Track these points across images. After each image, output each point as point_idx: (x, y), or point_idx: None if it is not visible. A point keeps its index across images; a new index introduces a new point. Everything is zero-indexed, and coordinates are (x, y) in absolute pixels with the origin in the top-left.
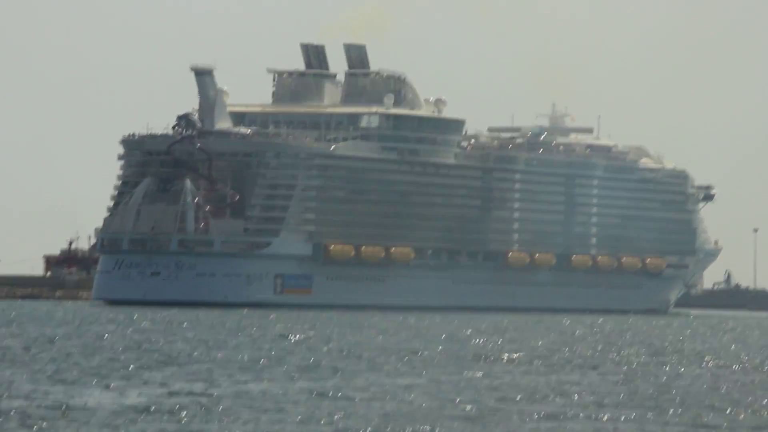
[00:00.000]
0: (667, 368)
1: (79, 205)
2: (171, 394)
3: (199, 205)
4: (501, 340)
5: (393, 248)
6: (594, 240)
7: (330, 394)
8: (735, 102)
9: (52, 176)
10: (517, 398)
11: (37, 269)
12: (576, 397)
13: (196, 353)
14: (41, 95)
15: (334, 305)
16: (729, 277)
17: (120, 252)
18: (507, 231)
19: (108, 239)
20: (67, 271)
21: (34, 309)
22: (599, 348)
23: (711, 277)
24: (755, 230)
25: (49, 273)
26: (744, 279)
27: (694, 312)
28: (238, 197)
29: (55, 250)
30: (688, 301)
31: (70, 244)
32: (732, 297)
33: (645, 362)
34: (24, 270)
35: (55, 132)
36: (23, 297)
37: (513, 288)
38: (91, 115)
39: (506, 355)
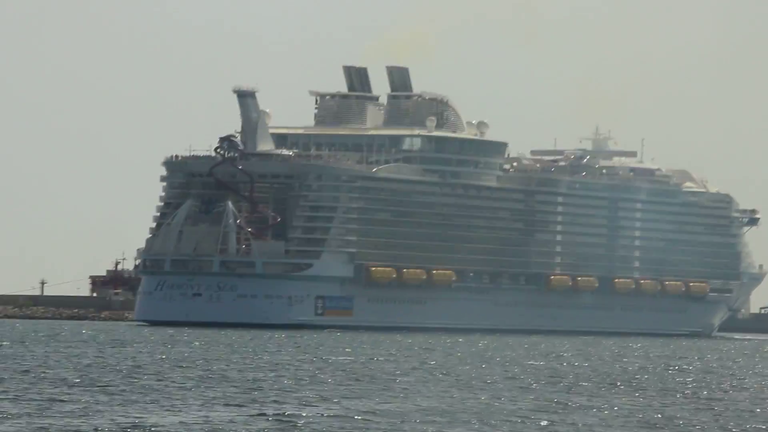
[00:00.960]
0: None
1: (126, 226)
2: None
3: (241, 227)
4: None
5: (434, 270)
6: (637, 263)
7: None
8: None
9: (99, 197)
10: None
11: (84, 290)
12: None
13: None
14: (87, 116)
15: (375, 327)
16: None
17: (162, 273)
18: (549, 254)
19: (150, 260)
20: (113, 292)
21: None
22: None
23: (758, 302)
24: None
25: (95, 294)
26: None
27: (739, 336)
28: (279, 219)
29: (102, 271)
30: (735, 325)
31: (117, 265)
32: None
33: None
34: (71, 291)
35: (100, 152)
36: (69, 317)
37: (555, 310)
38: (135, 136)
39: None
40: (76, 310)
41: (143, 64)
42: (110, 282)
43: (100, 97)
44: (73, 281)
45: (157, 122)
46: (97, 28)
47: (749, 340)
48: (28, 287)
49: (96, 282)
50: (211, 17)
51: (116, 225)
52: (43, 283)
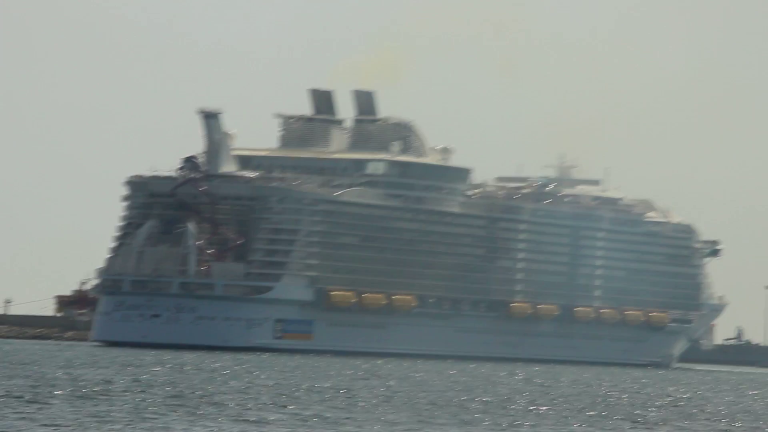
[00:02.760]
0: None
1: (93, 246)
2: None
3: (202, 249)
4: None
5: (395, 296)
6: (598, 292)
7: None
8: (743, 158)
9: (65, 216)
10: None
11: (49, 310)
12: None
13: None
14: (51, 134)
15: (334, 351)
16: (740, 333)
17: (121, 293)
18: (511, 281)
19: (109, 280)
20: (77, 312)
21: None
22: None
23: (722, 333)
24: (767, 287)
25: (60, 314)
26: (756, 336)
27: (702, 367)
28: (241, 241)
29: (67, 291)
30: (699, 356)
31: (82, 285)
32: (743, 353)
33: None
34: (35, 310)
35: (65, 171)
36: (34, 337)
37: (515, 338)
38: (99, 154)
39: None
40: (40, 330)
41: (107, 83)
42: (75, 302)
43: (65, 116)
44: (38, 301)
45: (120, 141)
46: (61, 46)
47: (708, 371)
48: None
49: (61, 302)
50: (177, 37)
51: (82, 245)
52: (7, 302)
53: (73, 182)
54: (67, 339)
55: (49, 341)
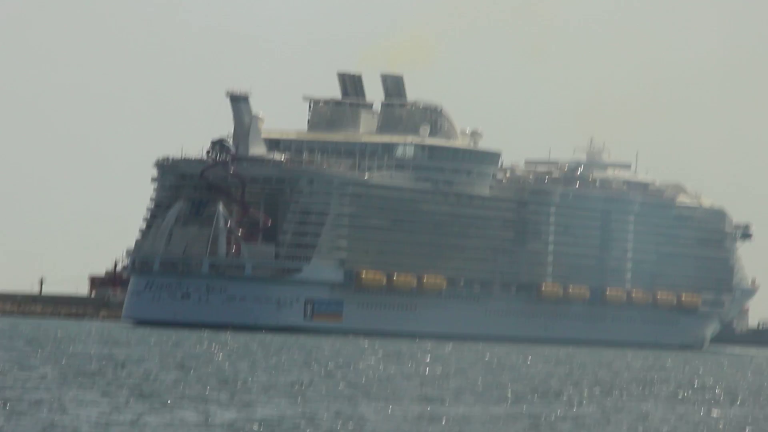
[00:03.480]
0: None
1: (126, 226)
2: None
3: (231, 230)
4: None
5: (425, 277)
6: (629, 275)
7: None
8: None
9: (100, 197)
10: None
11: (83, 289)
12: None
13: None
14: (83, 117)
15: (364, 332)
16: None
17: (151, 273)
18: (541, 263)
19: (139, 260)
20: (111, 292)
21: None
22: None
23: (756, 316)
24: None
25: (93, 293)
26: None
27: (735, 350)
28: (270, 222)
29: (101, 271)
30: (733, 338)
31: (115, 265)
32: None
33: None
34: (69, 289)
35: (98, 152)
36: (67, 316)
37: (546, 320)
38: (129, 136)
39: None
40: (74, 309)
41: (137, 66)
42: (109, 282)
43: (96, 99)
44: (72, 280)
45: (150, 123)
46: (92, 30)
47: (740, 354)
48: (26, 285)
49: (95, 281)
50: (206, 20)
51: (117, 225)
52: (42, 281)
53: (107, 163)
54: (101, 318)
55: (83, 320)
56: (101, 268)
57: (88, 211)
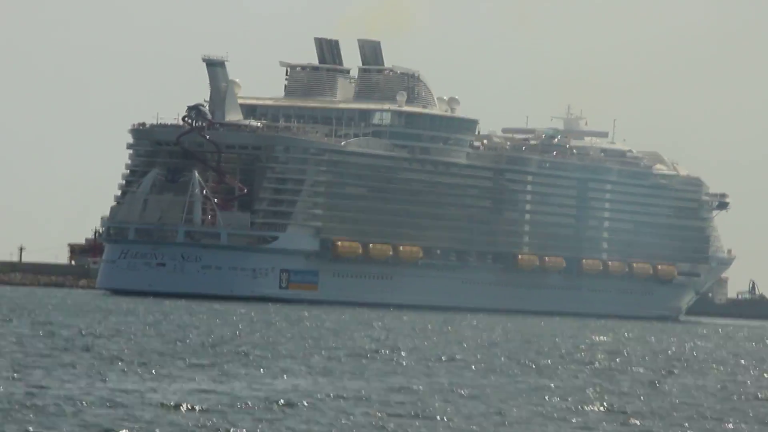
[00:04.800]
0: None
1: (107, 194)
2: None
3: (207, 197)
4: None
5: (401, 247)
6: (605, 245)
7: None
8: (752, 110)
9: (80, 165)
10: None
11: (63, 258)
12: None
13: None
14: (57, 83)
15: (340, 302)
16: (754, 287)
17: (126, 242)
18: (517, 233)
19: (114, 228)
20: (91, 260)
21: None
22: None
23: (736, 287)
24: None
25: (73, 262)
26: None
27: (715, 321)
28: (246, 190)
29: (81, 239)
30: (711, 309)
31: (95, 233)
32: (756, 307)
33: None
34: (49, 258)
35: (75, 119)
36: (47, 284)
37: (522, 290)
38: (101, 102)
39: None
40: (53, 278)
41: (112, 31)
42: (89, 250)
43: (72, 64)
44: (51, 249)
45: (125, 89)
46: None
47: (715, 324)
48: (6, 253)
49: (75, 250)
50: None
51: (96, 193)
52: (21, 250)
53: (84, 130)
54: (81, 287)
55: (62, 289)
56: (81, 236)
57: (68, 179)
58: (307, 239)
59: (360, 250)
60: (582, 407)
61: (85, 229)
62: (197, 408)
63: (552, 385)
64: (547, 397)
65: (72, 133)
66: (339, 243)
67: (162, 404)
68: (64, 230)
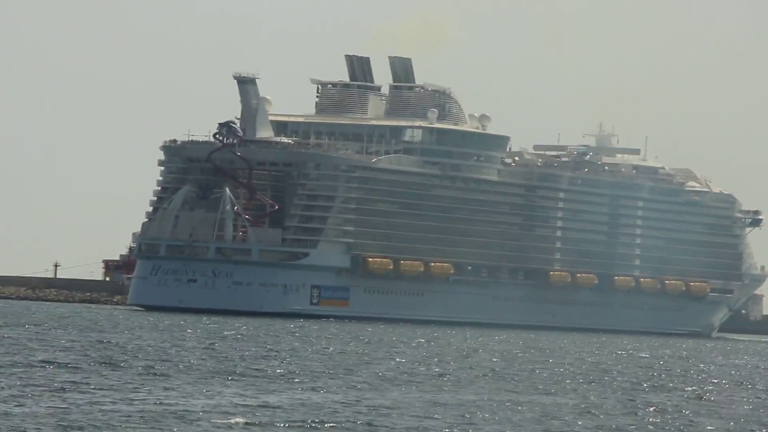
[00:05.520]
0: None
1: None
2: None
3: (238, 214)
4: None
5: (432, 263)
6: (637, 261)
7: None
8: None
9: (114, 182)
10: None
11: (97, 274)
12: None
13: None
14: (91, 101)
15: (370, 318)
16: None
17: (157, 258)
18: (549, 249)
19: (146, 245)
20: (125, 277)
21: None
22: None
23: None
24: None
25: (108, 278)
26: None
27: (746, 337)
28: (277, 207)
29: (116, 256)
30: (747, 326)
31: (129, 249)
32: None
33: None
34: (84, 274)
35: (107, 137)
36: (82, 301)
37: (554, 306)
38: (135, 120)
39: None
40: (88, 294)
41: (145, 49)
42: (123, 266)
43: (104, 83)
44: (86, 265)
45: (157, 106)
46: (99, 13)
47: (745, 341)
48: (41, 269)
49: (109, 266)
50: (214, 3)
51: (131, 209)
52: (56, 266)
53: (118, 147)
54: (115, 303)
55: (97, 305)
56: (116, 252)
57: (102, 196)
58: (337, 255)
59: (391, 266)
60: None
61: (119, 246)
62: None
63: None
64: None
65: (106, 150)
66: (370, 259)
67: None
68: (99, 247)
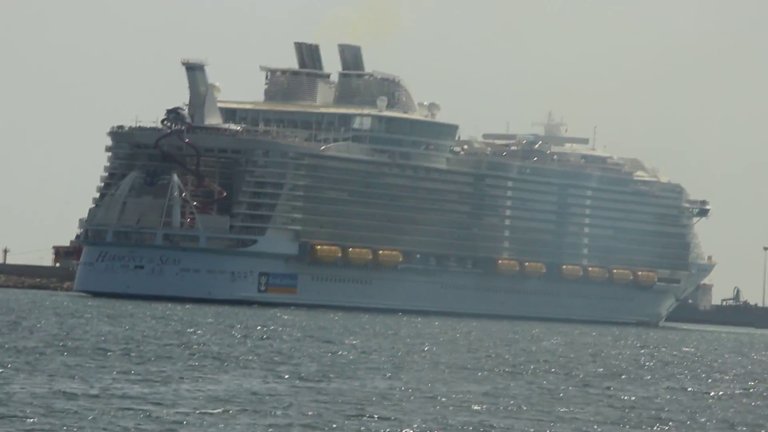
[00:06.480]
0: None
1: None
2: None
3: (186, 200)
4: None
5: (381, 251)
6: (585, 250)
7: None
8: (733, 117)
9: (63, 168)
10: None
11: (47, 260)
12: None
13: None
14: (36, 86)
15: (318, 305)
16: (738, 294)
17: (104, 244)
18: (497, 238)
19: (92, 231)
20: (75, 263)
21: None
22: None
23: (720, 294)
24: (765, 248)
25: (58, 264)
26: (753, 296)
27: (697, 327)
28: (225, 194)
29: (66, 242)
30: (696, 316)
31: (77, 236)
32: (740, 314)
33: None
34: (33, 260)
35: (51, 122)
36: (31, 287)
37: (502, 295)
38: (80, 105)
39: None
40: (38, 279)
41: (92, 33)
42: (73, 253)
43: (52, 67)
44: (36, 251)
45: (105, 92)
46: None
47: (691, 330)
48: None
49: (59, 252)
50: None
51: (81, 195)
52: (5, 252)
53: (66, 133)
54: (65, 289)
55: (47, 291)
56: (66, 238)
57: (52, 181)
58: (286, 243)
59: (339, 254)
60: None
61: (70, 232)
62: None
63: None
64: None
65: (54, 135)
66: (318, 247)
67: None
68: (49, 232)
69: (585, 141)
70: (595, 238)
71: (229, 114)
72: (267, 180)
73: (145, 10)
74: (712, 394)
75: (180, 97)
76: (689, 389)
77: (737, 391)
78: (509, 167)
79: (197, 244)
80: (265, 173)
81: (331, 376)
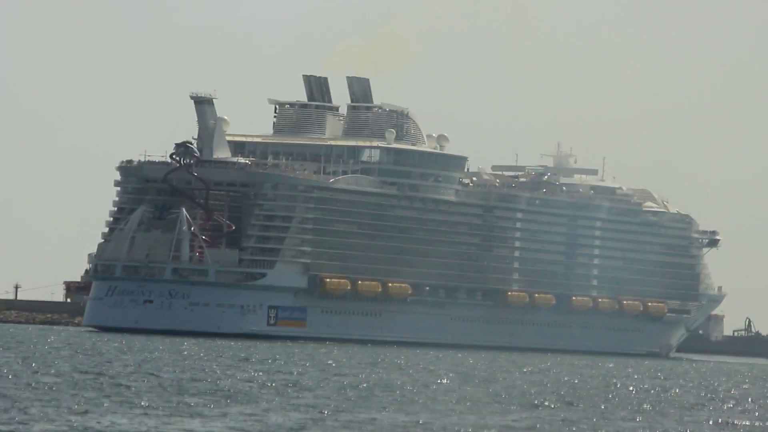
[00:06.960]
0: None
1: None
2: None
3: (195, 234)
4: None
5: (390, 283)
6: (595, 282)
7: None
8: (742, 148)
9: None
10: None
11: (58, 295)
12: None
13: None
14: (46, 120)
15: (328, 338)
16: (750, 324)
17: (113, 278)
18: (507, 270)
19: (101, 265)
20: (86, 298)
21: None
22: None
23: (732, 324)
24: None
25: (69, 299)
26: (765, 327)
27: (707, 358)
28: (234, 227)
29: (77, 277)
30: (707, 346)
31: (86, 271)
32: (752, 344)
33: None
34: (45, 296)
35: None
36: (43, 322)
37: (511, 327)
38: (89, 140)
39: None
40: (49, 315)
41: (100, 68)
42: (84, 288)
43: (61, 100)
44: (47, 286)
45: (113, 126)
46: (54, 31)
47: (701, 361)
48: (2, 291)
49: (70, 287)
50: (171, 22)
51: (92, 231)
52: (17, 287)
53: (76, 167)
54: (77, 324)
55: (58, 326)
56: (77, 274)
57: (62, 217)
58: (295, 276)
59: (348, 287)
60: None
61: (80, 267)
62: None
63: None
64: None
65: (63, 170)
66: (327, 280)
67: None
68: (60, 268)
69: (594, 172)
70: (604, 269)
71: (238, 147)
72: (276, 213)
73: (153, 44)
74: None
75: (189, 130)
76: None
77: None
78: (518, 199)
79: (206, 278)
80: (274, 206)
81: (357, 410)
